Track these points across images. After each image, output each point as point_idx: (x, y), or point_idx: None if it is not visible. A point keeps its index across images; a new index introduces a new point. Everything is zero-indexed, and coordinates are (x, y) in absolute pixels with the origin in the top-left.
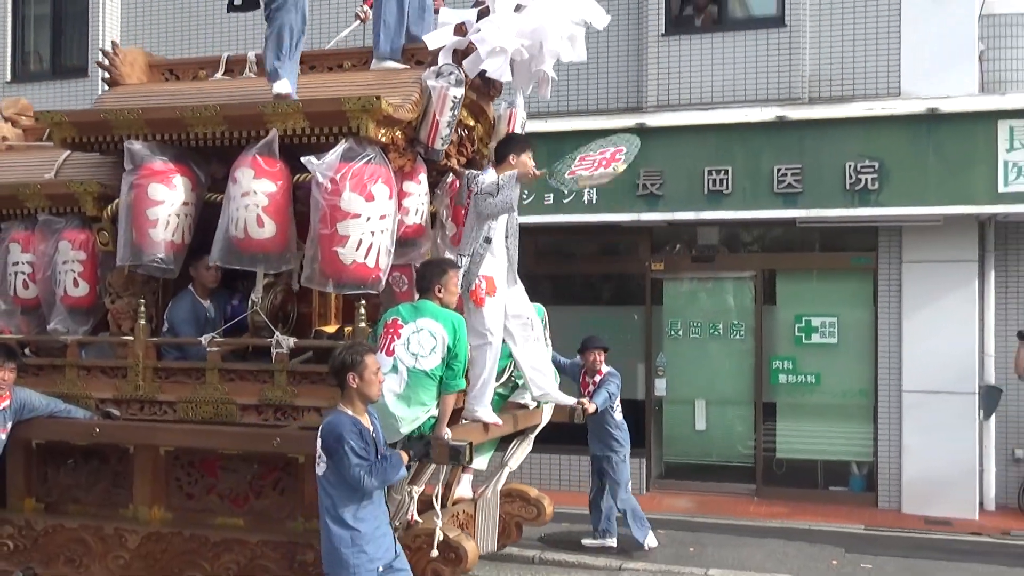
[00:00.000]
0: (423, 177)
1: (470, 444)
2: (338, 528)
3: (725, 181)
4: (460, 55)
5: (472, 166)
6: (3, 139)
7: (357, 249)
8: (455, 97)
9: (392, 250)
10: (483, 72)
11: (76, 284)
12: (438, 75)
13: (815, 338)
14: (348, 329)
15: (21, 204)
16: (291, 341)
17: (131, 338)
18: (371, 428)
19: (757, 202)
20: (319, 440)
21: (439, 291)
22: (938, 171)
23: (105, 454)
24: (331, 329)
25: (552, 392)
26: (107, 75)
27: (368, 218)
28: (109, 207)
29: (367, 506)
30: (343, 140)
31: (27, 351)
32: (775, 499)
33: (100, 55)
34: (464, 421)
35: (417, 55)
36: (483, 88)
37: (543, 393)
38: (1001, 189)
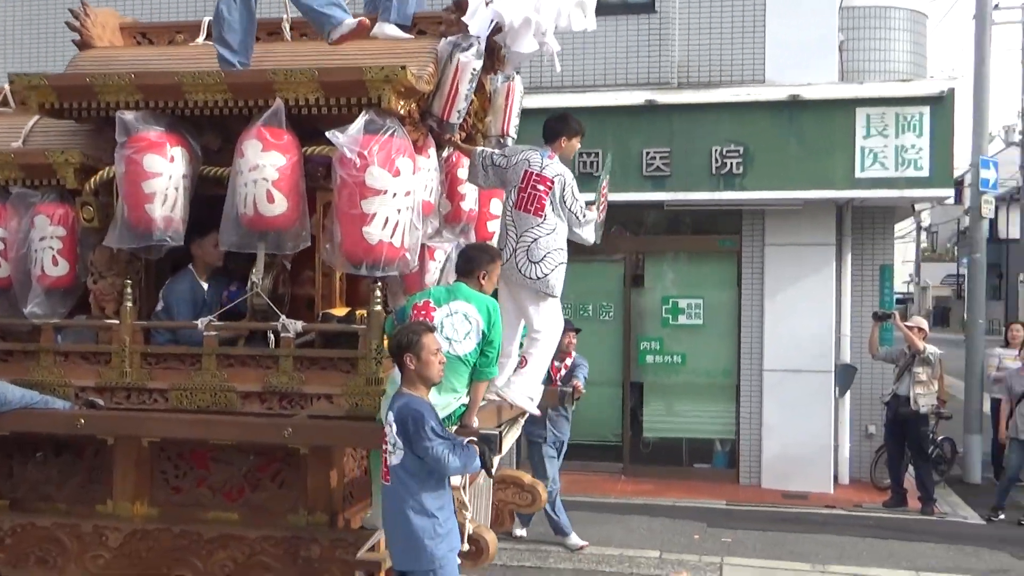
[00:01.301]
0: (433, 152)
1: (501, 432)
2: (420, 518)
3: (595, 164)
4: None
5: (469, 141)
6: None
7: (384, 228)
8: (475, 69)
9: (419, 228)
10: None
11: (55, 263)
12: (456, 46)
13: (681, 319)
14: (360, 312)
15: None
16: (298, 325)
17: (116, 321)
18: None
19: (627, 185)
20: (392, 427)
21: (483, 277)
22: (799, 156)
23: (79, 446)
24: (340, 312)
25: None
26: (77, 37)
27: (394, 195)
28: (92, 179)
29: (444, 494)
30: (364, 112)
31: None
32: (642, 477)
33: (69, 15)
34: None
35: (420, 24)
36: (486, 61)
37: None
38: (858, 174)
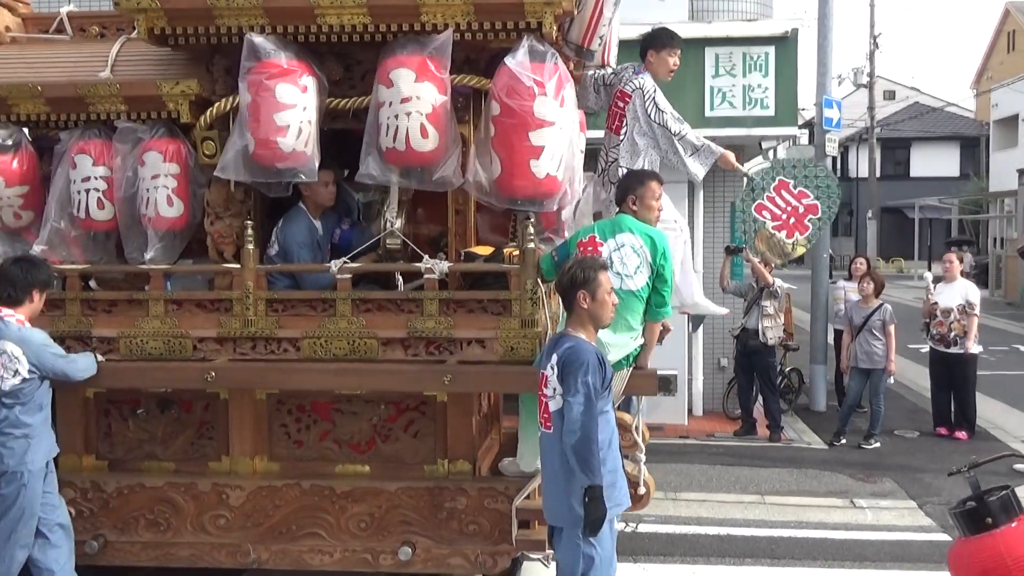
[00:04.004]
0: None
1: (676, 374)
2: None
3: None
4: None
5: None
6: (6, 29)
7: (551, 160)
8: None
9: (575, 164)
10: None
11: (170, 203)
12: None
13: None
14: (508, 250)
15: (86, 108)
16: (445, 265)
17: (237, 266)
18: None
19: None
20: (555, 370)
21: (632, 203)
22: None
23: (186, 401)
24: (484, 251)
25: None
26: None
27: (561, 127)
28: (209, 111)
29: (611, 440)
30: (525, 38)
31: (91, 283)
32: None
33: None
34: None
35: None
36: None
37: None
38: (707, 113)
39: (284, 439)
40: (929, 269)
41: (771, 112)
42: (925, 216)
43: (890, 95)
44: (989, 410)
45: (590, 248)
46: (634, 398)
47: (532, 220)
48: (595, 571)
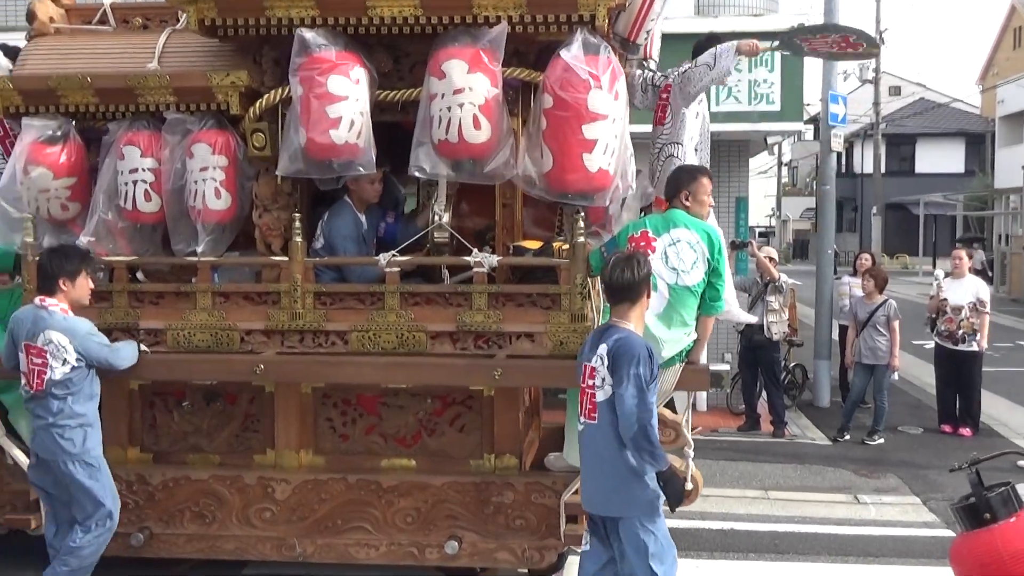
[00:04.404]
0: None
1: (728, 368)
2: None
3: None
4: None
5: None
6: (50, 20)
7: (603, 154)
8: None
9: (626, 158)
10: None
11: (218, 195)
12: None
13: None
14: (557, 244)
15: (135, 99)
16: (495, 259)
17: (285, 258)
18: None
19: None
20: (604, 361)
21: (686, 198)
22: None
23: (231, 394)
24: (533, 245)
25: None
26: None
27: (614, 120)
28: (258, 103)
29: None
30: (578, 30)
31: (139, 275)
32: None
33: None
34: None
35: None
36: None
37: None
38: (713, 108)
39: (329, 433)
40: (934, 266)
41: (776, 107)
42: (930, 212)
43: (895, 91)
44: (993, 407)
45: (642, 243)
46: (683, 394)
47: (582, 214)
48: (662, 551)
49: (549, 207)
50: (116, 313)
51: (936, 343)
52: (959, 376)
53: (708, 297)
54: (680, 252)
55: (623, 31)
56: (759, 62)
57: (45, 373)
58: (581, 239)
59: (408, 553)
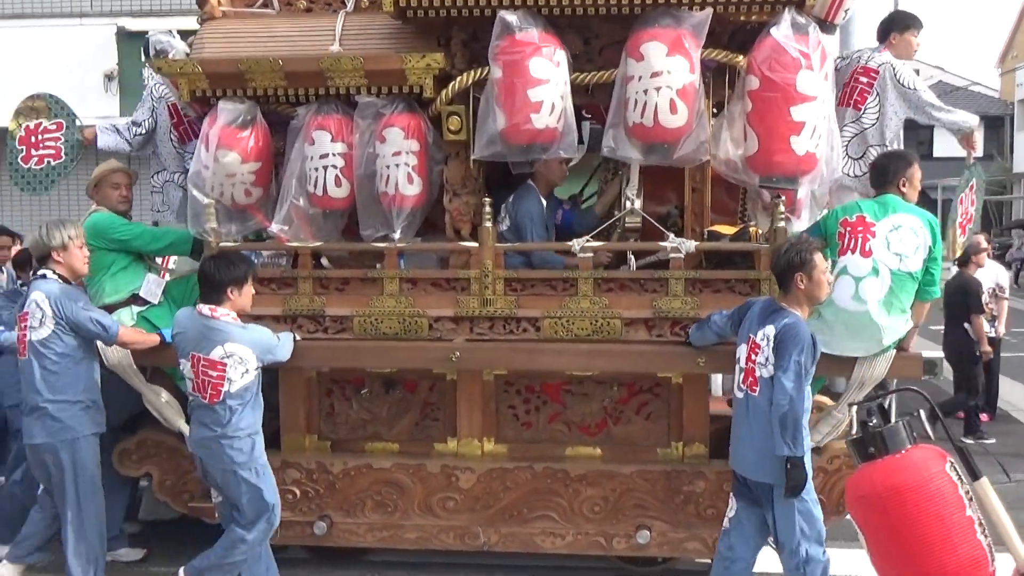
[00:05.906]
0: None
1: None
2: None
3: None
4: None
5: None
6: (218, 3)
7: (811, 137)
8: None
9: (833, 142)
10: None
11: (410, 180)
12: None
13: None
14: (754, 229)
15: (324, 82)
16: (692, 244)
17: (475, 244)
18: None
19: None
20: (770, 341)
21: (903, 185)
22: None
23: (410, 382)
24: (728, 230)
25: None
26: None
27: (823, 101)
28: (451, 86)
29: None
30: (787, 10)
31: (323, 261)
32: None
33: None
34: None
35: None
36: None
37: None
38: None
39: (512, 421)
40: None
41: None
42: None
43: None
44: (1011, 392)
45: (859, 228)
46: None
47: (782, 199)
48: (809, 517)
49: (729, 192)
50: (301, 300)
51: None
52: None
53: (924, 283)
54: (903, 237)
55: (820, 12)
56: None
57: (222, 386)
58: (781, 224)
59: (595, 543)
